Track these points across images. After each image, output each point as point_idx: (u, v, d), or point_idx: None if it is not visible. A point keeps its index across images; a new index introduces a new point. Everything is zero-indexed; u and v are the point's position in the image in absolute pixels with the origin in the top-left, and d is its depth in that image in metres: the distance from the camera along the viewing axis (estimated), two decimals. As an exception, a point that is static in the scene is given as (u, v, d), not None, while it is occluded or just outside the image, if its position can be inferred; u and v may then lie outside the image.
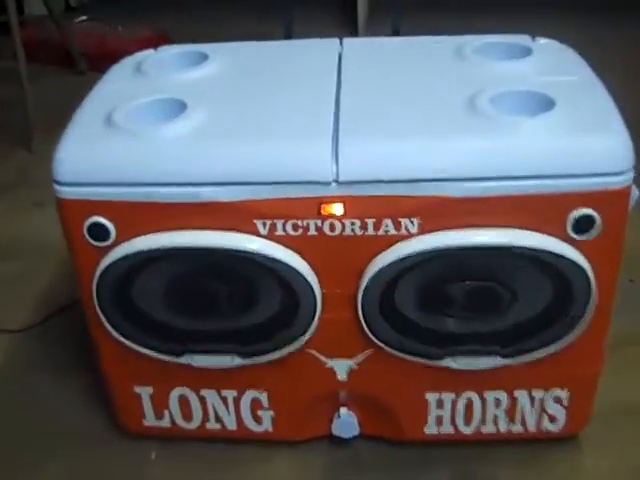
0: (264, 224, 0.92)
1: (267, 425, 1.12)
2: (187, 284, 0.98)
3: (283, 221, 0.92)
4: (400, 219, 0.91)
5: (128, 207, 0.93)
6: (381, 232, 0.92)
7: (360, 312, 0.98)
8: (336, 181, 0.90)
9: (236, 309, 0.99)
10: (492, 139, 0.91)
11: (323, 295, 0.98)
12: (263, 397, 1.09)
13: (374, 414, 1.11)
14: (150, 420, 1.13)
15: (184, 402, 1.11)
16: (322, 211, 0.92)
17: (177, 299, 0.99)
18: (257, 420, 1.12)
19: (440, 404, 1.08)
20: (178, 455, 1.15)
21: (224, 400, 1.10)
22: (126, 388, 1.10)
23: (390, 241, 0.93)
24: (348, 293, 0.98)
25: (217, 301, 0.98)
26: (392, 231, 0.92)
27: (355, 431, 1.12)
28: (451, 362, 1.01)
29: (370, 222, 0.92)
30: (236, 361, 1.02)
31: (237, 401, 1.10)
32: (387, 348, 1.01)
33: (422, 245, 0.92)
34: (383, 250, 0.93)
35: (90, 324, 1.03)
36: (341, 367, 1.05)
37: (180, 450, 1.15)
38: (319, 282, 0.97)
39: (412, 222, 0.92)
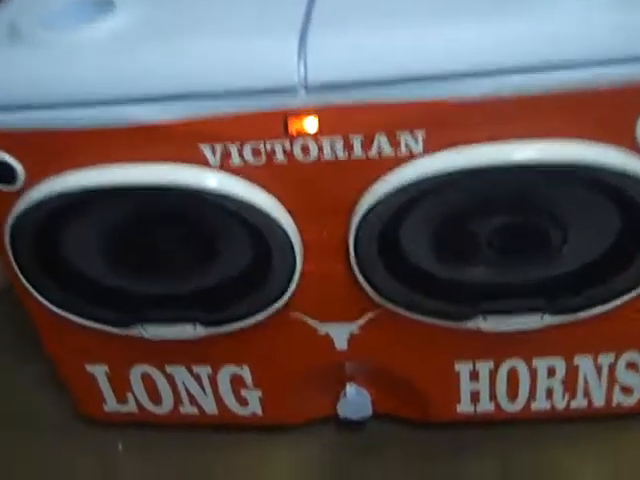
0: (213, 150, 0.68)
1: (254, 407, 0.89)
2: (125, 235, 0.74)
3: (239, 145, 0.67)
4: (398, 133, 0.66)
5: (38, 138, 0.69)
6: (373, 153, 0.67)
7: (354, 261, 0.73)
8: (305, 86, 0.65)
9: (191, 264, 0.76)
10: (520, 16, 0.64)
11: (303, 241, 0.74)
12: (245, 373, 0.86)
13: (391, 390, 0.87)
14: (112, 405, 0.91)
15: (149, 382, 0.88)
16: (290, 128, 0.67)
17: (116, 255, 0.76)
18: (241, 402, 0.89)
19: (474, 376, 0.84)
20: (150, 445, 0.93)
21: (197, 378, 0.87)
22: (76, 367, 0.88)
23: (386, 165, 0.68)
24: (336, 237, 0.73)
25: (165, 255, 0.75)
26: (388, 151, 0.67)
27: (366, 411, 0.88)
28: (482, 322, 0.75)
29: (356, 140, 0.66)
30: (199, 330, 0.79)
31: (213, 379, 0.87)
32: (394, 307, 0.76)
33: (432, 167, 0.66)
34: (377, 178, 0.68)
35: (18, 291, 0.81)
36: (339, 333, 0.81)
37: (153, 439, 0.93)
38: (296, 225, 0.72)
39: (415, 137, 0.66)
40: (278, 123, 0.66)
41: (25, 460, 0.95)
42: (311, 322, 0.80)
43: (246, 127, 0.67)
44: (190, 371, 0.87)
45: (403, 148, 0.67)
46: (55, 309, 0.80)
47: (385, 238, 0.71)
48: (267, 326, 0.79)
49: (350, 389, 0.87)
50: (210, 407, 0.90)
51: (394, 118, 0.65)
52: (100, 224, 0.74)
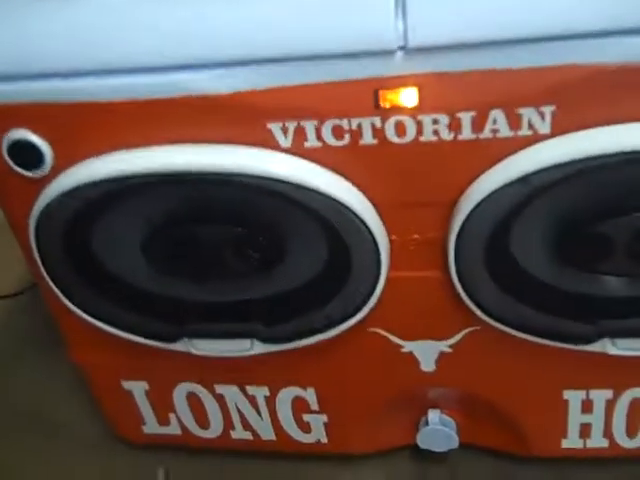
0: (284, 130, 0.55)
1: (318, 434, 0.76)
2: (174, 232, 0.61)
3: (316, 123, 0.54)
4: (520, 110, 0.52)
5: (68, 112, 0.56)
6: (486, 134, 0.53)
7: (453, 269, 0.59)
8: (402, 48, 0.51)
9: (252, 269, 0.62)
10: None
11: (391, 243, 0.60)
12: (309, 396, 0.73)
13: (481, 419, 0.74)
14: (152, 427, 0.79)
15: (195, 402, 0.76)
16: (382, 102, 0.53)
17: (160, 256, 0.63)
18: (303, 427, 0.76)
19: (587, 407, 0.70)
20: (197, 474, 0.81)
21: (251, 400, 0.74)
22: (110, 383, 0.76)
23: (502, 149, 0.54)
24: (432, 239, 0.60)
25: (221, 257, 0.61)
26: (505, 132, 0.53)
27: (452, 443, 0.74)
28: (609, 346, 0.61)
29: (466, 117, 0.52)
30: (257, 347, 0.66)
31: (271, 402, 0.74)
32: (498, 325, 0.62)
33: (564, 153, 0.52)
34: (490, 166, 0.55)
35: (44, 294, 0.69)
36: (426, 352, 0.67)
37: (200, 466, 0.81)
38: (383, 223, 0.59)
39: (541, 114, 0.52)
40: (367, 95, 0.53)
41: (50, 473, 0.83)
42: (393, 339, 0.67)
43: (326, 100, 0.53)
44: (244, 392, 0.74)
45: (525, 128, 0.53)
46: (86, 317, 0.67)
47: (494, 240, 0.57)
48: (339, 343, 0.66)
49: (433, 416, 0.73)
50: (266, 432, 0.77)
51: (515, 90, 0.51)
52: (143, 218, 0.61)
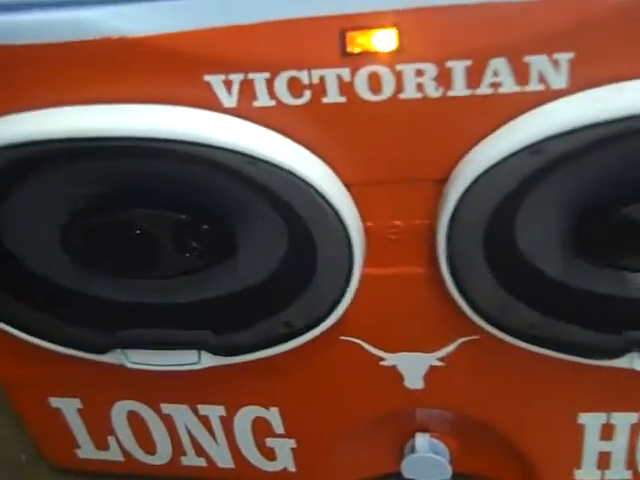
0: (228, 85, 0.43)
1: (285, 461, 0.64)
2: (97, 217, 0.49)
3: (268, 75, 0.42)
4: (527, 58, 0.40)
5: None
6: (484, 90, 0.41)
7: (445, 264, 0.47)
8: (377, -28, 0.39)
9: (196, 265, 0.51)
10: None
11: (366, 232, 0.48)
12: (273, 417, 0.61)
13: (480, 445, 0.62)
14: (88, 451, 0.66)
15: (137, 423, 0.63)
16: (350, 47, 0.41)
17: (84, 248, 0.51)
18: (267, 453, 0.63)
19: (607, 432, 0.57)
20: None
21: (204, 421, 0.62)
22: (35, 401, 0.64)
23: (506, 109, 0.42)
24: (418, 227, 0.48)
25: (157, 250, 0.49)
26: (510, 86, 0.41)
27: (444, 473, 0.62)
28: (638, 361, 0.49)
29: (459, 68, 0.41)
30: (205, 360, 0.54)
31: (227, 423, 0.62)
32: (500, 334, 0.50)
33: (585, 114, 0.40)
34: (491, 131, 0.43)
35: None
36: (412, 366, 0.55)
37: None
38: (356, 205, 0.47)
39: (556, 63, 0.40)
40: (332, 38, 0.41)
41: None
42: (371, 350, 0.55)
43: (279, 45, 0.41)
44: (195, 412, 0.61)
45: (535, 81, 0.41)
46: (2, 325, 0.55)
47: (496, 227, 0.45)
48: (305, 355, 0.54)
49: (421, 441, 0.61)
50: (223, 459, 0.65)
51: (522, 30, 0.40)
52: (60, 200, 0.49)
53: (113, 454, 0.66)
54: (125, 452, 0.66)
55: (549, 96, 0.41)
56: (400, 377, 0.56)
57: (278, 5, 0.40)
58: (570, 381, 0.54)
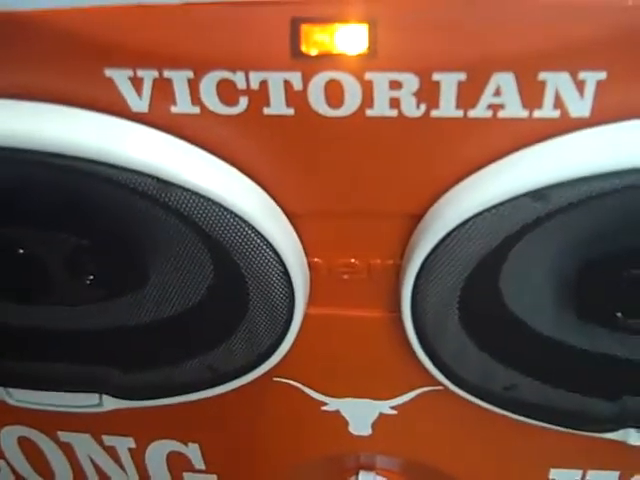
0: (136, 83, 0.31)
1: (205, 497, 0.55)
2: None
3: (191, 74, 0.31)
4: (542, 75, 0.30)
5: None
6: (481, 111, 0.31)
7: (408, 311, 0.38)
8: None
9: (94, 294, 0.40)
10: None
11: (311, 269, 0.38)
12: (192, 452, 0.51)
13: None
14: (-27, 474, 0.57)
15: (31, 450, 0.53)
16: (305, 45, 0.30)
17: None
18: (184, 489, 0.55)
19: (583, 490, 0.50)
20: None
21: (111, 452, 0.52)
22: None
23: (507, 138, 0.32)
24: (379, 267, 0.38)
25: (45, 275, 0.39)
26: (514, 109, 0.31)
27: (387, 517, 0.54)
28: (633, 434, 0.41)
29: (449, 82, 0.30)
30: (107, 404, 0.43)
31: (138, 456, 0.52)
32: (472, 398, 0.41)
33: (612, 157, 0.30)
34: (485, 163, 0.33)
35: None
36: (359, 413, 0.46)
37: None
38: (300, 239, 0.37)
39: (580, 85, 0.30)
40: (280, 31, 0.30)
41: None
42: (311, 394, 0.45)
43: (208, 36, 0.30)
44: (99, 442, 0.52)
45: (550, 106, 0.30)
46: None
47: (476, 277, 0.36)
48: (232, 394, 0.44)
49: (365, 481, 0.53)
50: (133, 492, 0.56)
51: (539, 37, 0.29)
52: None
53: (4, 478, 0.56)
54: (19, 476, 0.56)
55: (565, 126, 0.31)
56: (344, 422, 0.47)
57: (206, -20, 0.29)
58: (542, 437, 0.45)
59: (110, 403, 0.43)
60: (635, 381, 0.40)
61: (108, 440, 0.51)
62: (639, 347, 0.39)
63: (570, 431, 0.42)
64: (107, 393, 0.43)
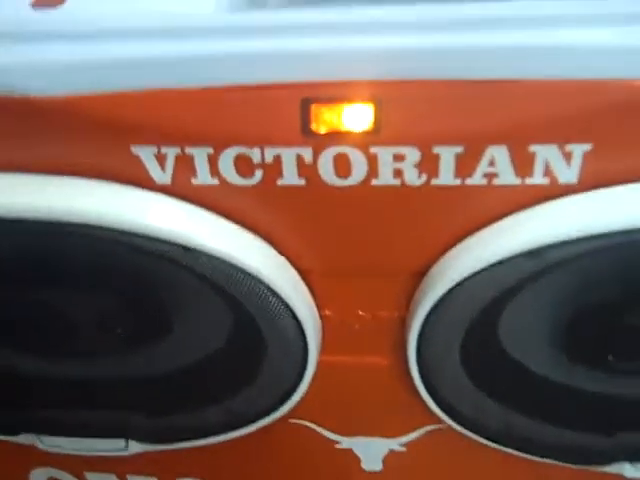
0: (160, 159, 0.34)
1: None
2: (8, 293, 0.41)
3: (211, 151, 0.34)
4: (532, 147, 0.32)
5: None
6: (477, 180, 0.34)
7: (414, 358, 0.40)
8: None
9: (122, 346, 0.43)
10: None
11: (323, 321, 0.41)
12: (211, 489, 0.54)
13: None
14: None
15: (59, 489, 0.57)
16: (314, 123, 0.33)
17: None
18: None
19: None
20: None
21: (136, 491, 0.56)
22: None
23: (501, 203, 0.35)
24: (386, 319, 0.40)
25: (75, 330, 0.41)
26: (507, 178, 0.34)
27: None
28: (628, 468, 0.43)
29: (448, 154, 0.33)
30: (133, 448, 0.46)
31: (159, 493, 0.55)
32: (475, 436, 0.44)
33: (598, 219, 0.33)
34: (481, 227, 0.35)
35: None
36: (370, 450, 0.48)
37: None
38: (312, 295, 0.39)
39: (567, 156, 0.33)
40: (292, 111, 0.33)
41: None
42: (325, 434, 0.48)
43: (226, 116, 0.33)
44: (124, 481, 0.55)
45: (540, 174, 0.33)
46: None
47: (478, 326, 0.38)
48: (252, 435, 0.47)
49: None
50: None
51: (529, 114, 0.32)
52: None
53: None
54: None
55: (554, 192, 0.34)
56: (357, 459, 0.49)
57: (225, 66, 0.32)
58: (544, 467, 0.47)
59: (135, 447, 0.46)
60: (627, 417, 0.42)
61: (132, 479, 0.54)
62: (630, 386, 0.42)
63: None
64: (133, 438, 0.45)
